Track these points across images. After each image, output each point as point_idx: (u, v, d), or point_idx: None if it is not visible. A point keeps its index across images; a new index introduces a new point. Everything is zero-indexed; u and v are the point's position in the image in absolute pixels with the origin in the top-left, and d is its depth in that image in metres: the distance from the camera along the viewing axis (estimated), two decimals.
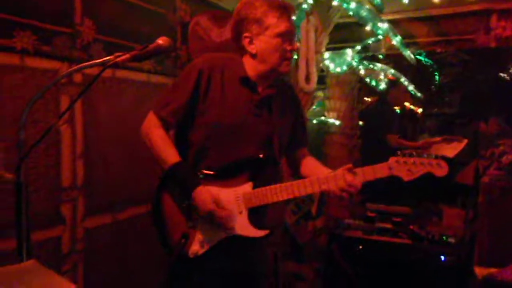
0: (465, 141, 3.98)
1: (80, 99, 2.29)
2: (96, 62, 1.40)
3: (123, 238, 2.63)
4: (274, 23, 1.62)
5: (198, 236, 1.67)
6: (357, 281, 3.03)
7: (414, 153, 1.61)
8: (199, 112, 1.69)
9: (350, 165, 1.62)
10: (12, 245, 1.37)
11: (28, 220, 1.33)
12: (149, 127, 1.71)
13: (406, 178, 1.60)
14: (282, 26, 1.63)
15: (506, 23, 3.42)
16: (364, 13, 3.26)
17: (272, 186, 1.65)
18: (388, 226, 3.33)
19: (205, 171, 1.69)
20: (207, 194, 1.61)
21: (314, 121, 3.82)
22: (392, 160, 1.61)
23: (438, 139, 4.16)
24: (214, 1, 3.39)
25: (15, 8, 2.00)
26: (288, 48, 1.66)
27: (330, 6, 3.36)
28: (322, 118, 3.90)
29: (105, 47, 2.42)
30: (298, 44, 3.29)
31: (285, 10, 1.64)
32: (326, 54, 3.54)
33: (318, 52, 3.42)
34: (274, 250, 3.21)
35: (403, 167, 1.60)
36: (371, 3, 3.25)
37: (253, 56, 1.69)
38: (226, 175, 1.68)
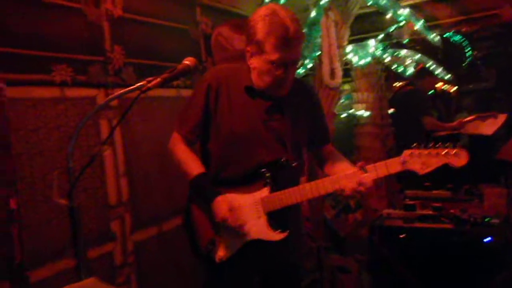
0: (503, 116, 3.88)
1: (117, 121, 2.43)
2: (131, 89, 1.49)
3: (170, 247, 2.75)
4: (269, 50, 1.60)
5: (223, 242, 1.75)
6: (402, 270, 3.04)
7: (431, 144, 1.54)
8: (214, 125, 1.77)
9: (361, 163, 1.62)
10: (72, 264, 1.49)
11: (83, 240, 1.45)
12: (173, 145, 1.82)
13: (420, 172, 1.55)
14: (275, 56, 1.61)
15: None
16: (383, 1, 3.25)
17: (287, 190, 1.69)
18: (429, 212, 3.31)
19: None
20: (224, 203, 1.68)
21: (343, 115, 3.83)
22: (405, 153, 1.57)
23: (471, 117, 4.08)
24: (233, 10, 3.47)
25: (50, 44, 2.15)
26: (281, 75, 1.65)
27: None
28: (351, 111, 3.91)
29: (136, 69, 2.56)
30: (311, 42, 3.31)
31: (283, 41, 1.59)
32: (349, 48, 3.55)
33: (341, 47, 3.44)
34: (317, 245, 3.27)
35: (417, 160, 1.55)
36: None
37: (252, 69, 1.72)
38: (245, 182, 1.74)
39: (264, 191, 1.71)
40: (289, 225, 1.74)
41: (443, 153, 1.51)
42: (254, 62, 1.69)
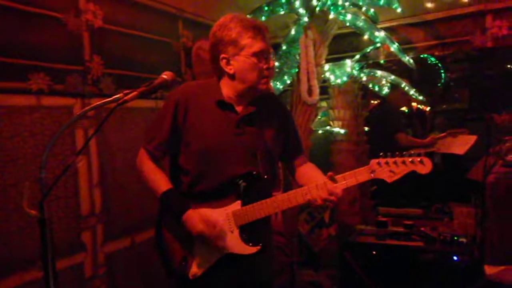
0: (474, 137, 4.00)
1: (93, 130, 2.43)
2: (107, 101, 1.49)
3: (142, 259, 2.73)
4: (249, 43, 1.65)
5: (196, 259, 1.74)
6: (374, 286, 3.08)
7: (397, 152, 1.59)
8: (184, 140, 1.75)
9: (331, 174, 1.64)
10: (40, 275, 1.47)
11: (53, 251, 1.44)
12: (140, 161, 1.81)
13: (389, 180, 1.59)
14: (256, 46, 1.66)
15: (501, 23, 3.46)
16: (360, 23, 3.34)
17: (259, 202, 1.70)
18: (400, 229, 3.38)
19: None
20: (196, 216, 1.67)
21: (320, 131, 3.90)
22: (373, 162, 1.61)
23: (443, 134, 4.18)
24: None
25: (28, 52, 2.14)
26: (264, 66, 1.69)
27: (327, 20, 3.45)
28: (328, 127, 3.97)
29: (114, 80, 2.56)
30: (290, 59, 3.39)
31: (259, 31, 1.67)
32: (326, 66, 3.63)
33: (318, 65, 3.51)
34: (290, 260, 3.29)
35: (385, 169, 1.59)
36: (366, 14, 3.34)
37: (231, 76, 1.72)
38: (216, 197, 1.73)
39: (236, 205, 1.72)
40: (261, 239, 1.75)
41: (409, 160, 1.56)
42: (235, 65, 1.69)
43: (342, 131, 3.92)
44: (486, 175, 3.35)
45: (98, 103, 1.50)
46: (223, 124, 1.74)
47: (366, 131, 4.27)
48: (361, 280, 3.14)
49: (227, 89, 1.76)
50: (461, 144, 4.02)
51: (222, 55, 1.70)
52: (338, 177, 1.63)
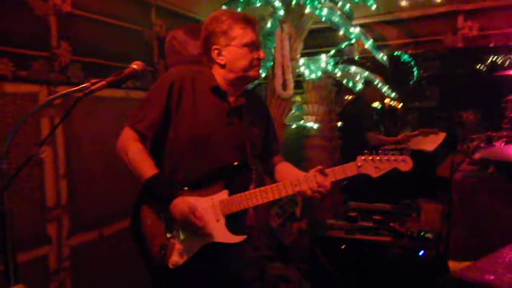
0: (443, 134, 4.09)
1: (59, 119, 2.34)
2: (73, 90, 1.44)
3: (110, 253, 2.68)
4: (240, 34, 1.73)
5: (177, 247, 1.71)
6: (341, 280, 3.12)
7: (380, 151, 1.72)
8: (172, 124, 1.75)
9: (320, 167, 1.71)
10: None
11: (14, 245, 1.38)
12: (126, 142, 1.75)
13: (374, 174, 1.71)
14: (247, 37, 1.74)
15: (472, 23, 3.55)
16: (336, 18, 3.35)
17: (247, 192, 1.72)
18: (370, 224, 3.42)
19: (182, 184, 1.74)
20: (184, 204, 1.66)
21: (293, 126, 3.90)
22: (359, 158, 1.71)
23: (415, 133, 4.26)
24: (189, 14, 3.45)
25: None
26: (255, 56, 1.76)
27: (302, 14, 3.45)
28: (301, 122, 3.98)
29: (83, 67, 2.48)
30: (266, 52, 3.38)
31: (248, 22, 1.76)
32: (301, 60, 3.63)
33: (293, 59, 3.51)
34: (260, 253, 3.29)
35: (370, 165, 1.70)
36: (341, 10, 3.35)
37: (223, 66, 1.77)
38: (202, 185, 1.74)
39: (223, 194, 1.73)
40: (246, 228, 1.78)
41: (393, 159, 1.70)
42: (226, 55, 1.75)
43: (315, 126, 3.94)
44: (453, 172, 3.43)
45: (63, 92, 1.44)
46: (215, 111, 1.77)
47: (339, 127, 4.29)
48: (330, 274, 3.17)
49: (218, 77, 1.80)
50: (430, 141, 4.10)
51: (214, 46, 1.76)
52: (327, 170, 1.71)
